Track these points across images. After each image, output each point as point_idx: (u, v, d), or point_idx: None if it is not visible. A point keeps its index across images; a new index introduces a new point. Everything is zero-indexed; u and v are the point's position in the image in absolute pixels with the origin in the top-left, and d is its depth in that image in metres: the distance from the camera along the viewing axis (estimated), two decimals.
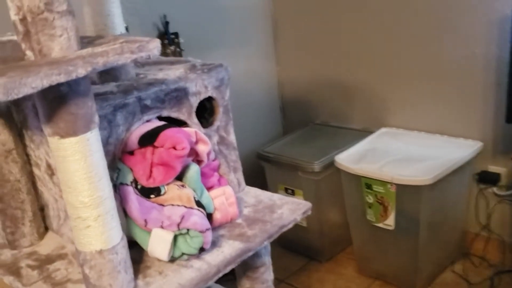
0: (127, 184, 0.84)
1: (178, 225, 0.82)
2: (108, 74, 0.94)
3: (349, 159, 1.88)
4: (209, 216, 0.93)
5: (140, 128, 0.87)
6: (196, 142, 0.93)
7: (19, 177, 0.90)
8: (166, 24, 1.90)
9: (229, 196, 0.95)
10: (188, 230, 0.83)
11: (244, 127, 2.28)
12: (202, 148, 0.93)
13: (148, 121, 0.90)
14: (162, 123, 0.89)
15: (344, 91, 2.24)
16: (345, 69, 2.20)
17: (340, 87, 2.26)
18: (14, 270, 0.88)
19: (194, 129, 0.92)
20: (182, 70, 1.00)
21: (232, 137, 1.04)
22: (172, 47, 1.89)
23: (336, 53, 2.21)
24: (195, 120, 0.96)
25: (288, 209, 0.99)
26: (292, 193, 2.09)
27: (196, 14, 2.03)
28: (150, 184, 0.86)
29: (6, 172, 0.90)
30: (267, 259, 1.04)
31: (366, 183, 1.83)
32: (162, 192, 0.87)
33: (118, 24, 0.93)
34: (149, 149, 0.86)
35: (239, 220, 0.96)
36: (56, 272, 0.85)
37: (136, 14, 1.85)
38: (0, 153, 0.88)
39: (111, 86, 0.90)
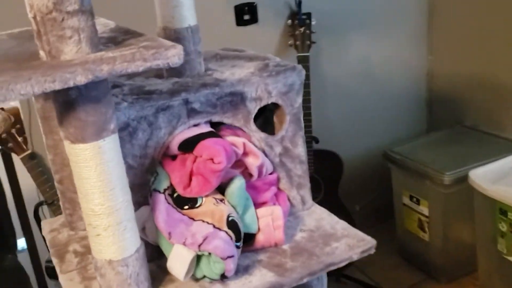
0: (159, 191, 0.80)
1: (200, 246, 0.75)
2: (179, 66, 0.88)
3: (486, 176, 1.61)
4: (251, 237, 0.85)
5: (184, 133, 0.82)
6: (246, 154, 0.84)
7: None
8: (299, 3, 1.80)
9: (277, 218, 0.86)
10: (210, 254, 0.75)
11: (381, 120, 2.11)
12: (251, 161, 0.85)
13: (195, 125, 0.83)
14: (207, 130, 0.83)
15: (502, 94, 1.93)
16: (507, 69, 1.87)
17: (498, 88, 1.94)
18: (61, 253, 0.91)
19: (243, 139, 0.83)
20: (253, 69, 0.91)
21: (300, 150, 0.93)
22: (302, 29, 1.79)
23: (498, 49, 1.89)
24: (253, 127, 0.87)
25: (346, 244, 0.86)
26: (417, 202, 1.88)
27: None
28: (187, 193, 0.81)
29: (66, 156, 0.91)
30: None
31: (501, 208, 1.55)
32: (198, 204, 0.81)
33: (187, 17, 0.88)
34: (190, 157, 0.81)
35: (285, 246, 0.86)
36: (91, 265, 0.85)
37: None
38: (61, 138, 0.89)
39: (165, 84, 0.86)
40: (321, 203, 1.73)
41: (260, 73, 0.90)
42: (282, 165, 0.93)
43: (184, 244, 0.78)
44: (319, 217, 0.95)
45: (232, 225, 0.79)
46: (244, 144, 0.84)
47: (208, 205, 0.81)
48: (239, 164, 0.87)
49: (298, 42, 1.81)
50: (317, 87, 1.98)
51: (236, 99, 0.85)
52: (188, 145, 0.81)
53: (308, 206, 0.98)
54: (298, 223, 0.93)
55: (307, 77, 1.80)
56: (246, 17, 1.79)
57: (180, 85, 0.85)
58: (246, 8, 1.78)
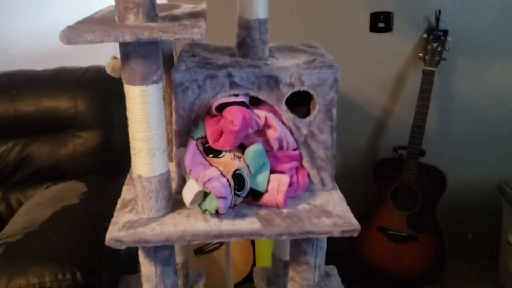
0: (193, 138, 1.06)
1: (204, 183, 0.99)
2: (244, 49, 1.12)
3: None
4: (259, 194, 1.06)
5: (223, 98, 1.06)
6: (268, 127, 1.05)
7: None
8: (437, 20, 1.86)
9: (282, 184, 1.05)
10: (210, 192, 0.99)
11: (507, 150, 2.04)
12: (271, 133, 1.05)
13: (236, 95, 1.07)
14: (241, 99, 1.05)
15: None
16: None
17: None
18: None
19: (265, 113, 1.04)
20: (301, 61, 1.10)
21: (325, 137, 1.09)
22: (435, 44, 1.86)
23: None
24: (284, 107, 1.07)
25: (333, 222, 1.01)
26: None
27: (478, 15, 1.89)
28: (214, 146, 1.05)
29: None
30: (312, 261, 1.09)
31: None
32: (221, 155, 1.04)
33: (257, 11, 1.09)
34: (223, 118, 1.05)
35: (285, 210, 1.05)
36: None
37: (410, 4, 1.89)
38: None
39: (225, 59, 1.10)
40: (415, 214, 1.81)
41: (303, 65, 1.08)
42: (306, 145, 1.10)
43: (196, 180, 1.02)
44: (331, 199, 1.10)
45: (236, 176, 1.00)
46: (266, 117, 1.04)
47: (227, 158, 1.04)
48: (262, 133, 1.07)
49: (427, 56, 1.87)
50: (444, 103, 2.00)
51: (271, 81, 1.05)
52: (221, 108, 1.04)
53: (327, 188, 1.13)
54: (309, 197, 1.10)
55: (428, 91, 1.86)
56: (381, 24, 1.91)
57: (233, 62, 1.08)
58: (382, 16, 1.90)
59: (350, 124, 2.06)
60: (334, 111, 1.07)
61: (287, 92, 1.05)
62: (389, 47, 1.94)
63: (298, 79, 1.04)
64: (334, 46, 1.90)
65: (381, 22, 1.91)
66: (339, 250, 2.07)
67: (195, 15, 1.00)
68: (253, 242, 2.01)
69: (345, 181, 2.15)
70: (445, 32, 1.86)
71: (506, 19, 1.91)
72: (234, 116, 0.98)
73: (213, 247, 1.98)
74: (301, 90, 1.06)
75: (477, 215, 2.14)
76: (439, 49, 1.85)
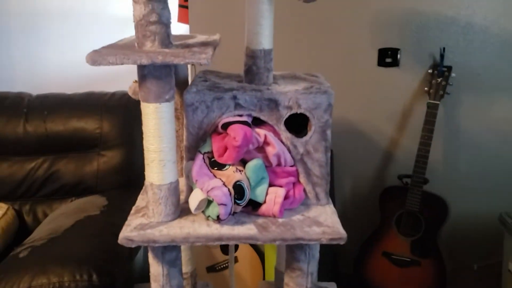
0: (200, 152, 1.18)
1: (208, 192, 1.12)
2: (250, 76, 1.26)
3: None
4: (258, 205, 1.18)
5: (228, 117, 1.19)
6: (267, 144, 1.18)
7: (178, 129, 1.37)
8: (441, 57, 1.98)
9: (278, 196, 1.17)
10: (213, 199, 1.12)
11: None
12: (270, 150, 1.18)
13: (240, 115, 1.20)
14: (244, 119, 1.18)
15: None
16: None
17: None
18: None
19: (265, 132, 1.17)
20: (300, 87, 1.23)
21: (320, 155, 1.21)
22: (439, 79, 1.97)
23: None
24: (282, 127, 1.19)
25: (322, 231, 1.12)
26: None
27: (480, 52, 2.00)
28: (219, 160, 1.17)
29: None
30: (305, 267, 1.19)
31: None
32: (224, 168, 1.17)
33: (262, 42, 1.23)
34: (228, 135, 1.18)
35: (280, 219, 1.16)
36: None
37: (416, 42, 2.00)
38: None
39: (232, 84, 1.24)
40: (418, 240, 1.88)
41: (301, 90, 1.20)
42: (302, 163, 1.22)
43: (201, 189, 1.14)
44: (324, 212, 1.20)
45: (236, 187, 1.12)
46: (265, 135, 1.17)
47: (230, 171, 1.16)
48: (262, 150, 1.19)
49: (432, 90, 1.98)
50: (448, 135, 2.09)
51: (272, 104, 1.18)
52: (226, 126, 1.17)
53: (322, 203, 1.24)
54: (304, 210, 1.21)
55: (432, 123, 1.96)
56: (388, 60, 2.04)
57: (238, 87, 1.22)
58: (389, 52, 2.03)
59: (358, 153, 2.16)
60: (328, 132, 1.18)
61: (285, 114, 1.17)
62: (396, 81, 2.05)
63: (295, 103, 1.16)
64: (345, 79, 2.04)
65: (388, 57, 2.03)
66: (346, 273, 2.15)
67: (205, 44, 1.15)
68: (262, 259, 2.10)
69: (353, 207, 2.25)
70: (449, 68, 1.97)
71: (507, 56, 2.01)
72: (237, 133, 1.11)
73: (225, 265, 2.08)
74: (298, 112, 1.18)
75: (480, 244, 2.19)
76: (443, 83, 1.96)
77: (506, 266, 1.97)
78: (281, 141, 1.19)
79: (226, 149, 1.14)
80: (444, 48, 1.97)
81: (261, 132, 1.16)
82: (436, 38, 1.99)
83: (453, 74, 1.96)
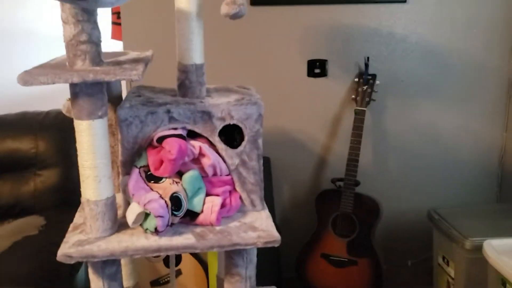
0: (136, 167, 1.18)
1: (144, 205, 1.12)
2: (183, 90, 1.27)
3: (499, 248, 1.68)
4: (195, 214, 1.19)
5: (163, 131, 1.20)
6: (202, 155, 1.19)
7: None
8: (366, 66, 2.06)
9: (215, 205, 1.18)
10: (150, 212, 1.12)
11: (440, 182, 2.22)
12: (205, 161, 1.19)
13: (174, 128, 1.21)
14: (178, 132, 1.19)
15: None
16: None
17: None
18: None
19: (200, 143, 1.19)
20: (232, 99, 1.26)
21: (254, 164, 1.24)
22: (365, 87, 2.05)
23: None
24: (217, 138, 1.21)
25: (258, 235, 1.14)
26: (447, 264, 1.97)
27: (402, 60, 2.10)
28: (155, 173, 1.17)
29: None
30: (243, 272, 1.21)
31: (502, 279, 1.61)
32: (161, 181, 1.17)
33: (193, 57, 1.24)
34: (163, 148, 1.18)
35: (218, 227, 1.18)
36: None
37: (342, 52, 2.09)
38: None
39: (165, 98, 1.25)
40: (353, 240, 1.94)
41: (233, 102, 1.23)
42: (237, 171, 1.24)
43: (138, 203, 1.14)
44: (259, 217, 1.23)
45: (173, 198, 1.13)
46: (200, 147, 1.18)
47: (166, 183, 1.17)
48: (197, 162, 1.21)
49: (358, 98, 2.06)
50: (376, 139, 2.18)
51: (205, 116, 1.20)
52: (161, 139, 1.18)
53: (258, 209, 1.26)
54: (240, 217, 1.23)
55: (360, 128, 2.04)
56: (317, 70, 2.11)
57: (172, 101, 1.23)
58: (318, 63, 2.10)
59: (294, 160, 2.21)
60: (260, 141, 1.22)
61: (219, 125, 1.20)
62: (325, 90, 2.13)
63: (228, 114, 1.19)
64: (277, 90, 2.10)
65: (317, 68, 2.10)
66: (289, 277, 2.19)
67: (137, 60, 1.15)
68: (206, 270, 2.11)
69: (292, 211, 2.30)
70: (374, 76, 2.07)
71: (427, 63, 2.13)
72: (171, 146, 1.12)
73: (168, 279, 2.06)
74: (231, 123, 1.20)
75: (412, 241, 2.29)
76: (368, 91, 2.05)
77: (436, 260, 2.08)
78: (217, 152, 1.21)
79: (162, 162, 1.15)
80: (368, 58, 2.06)
81: (196, 144, 1.17)
82: (361, 48, 2.08)
83: (377, 82, 2.06)
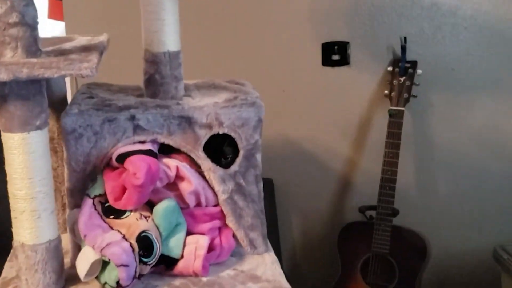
0: (89, 196, 1.18)
1: (102, 250, 1.11)
2: (152, 88, 1.27)
3: None
4: (173, 261, 1.18)
5: (126, 146, 1.19)
6: (181, 179, 1.19)
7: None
8: (403, 50, 2.06)
9: (200, 247, 1.17)
10: (109, 259, 1.11)
11: (507, 208, 2.21)
12: (184, 187, 1.18)
13: (141, 142, 1.20)
14: (147, 147, 1.19)
15: None
16: None
17: None
18: None
19: (177, 163, 1.18)
20: (221, 99, 1.25)
21: (253, 188, 1.23)
22: (402, 79, 2.05)
23: None
24: (201, 154, 1.20)
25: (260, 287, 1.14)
26: None
27: (452, 41, 2.11)
28: (116, 205, 1.16)
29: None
30: None
31: None
32: (124, 216, 1.17)
33: (166, 42, 1.24)
34: (126, 170, 1.18)
35: (204, 278, 1.17)
36: None
37: (369, 32, 2.10)
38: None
39: (128, 100, 1.25)
40: None
41: (222, 103, 1.23)
42: (231, 200, 1.23)
43: (92, 247, 1.13)
44: (262, 262, 1.22)
45: (142, 239, 1.12)
46: (177, 167, 1.18)
47: (131, 219, 1.16)
48: (174, 187, 1.20)
49: (393, 94, 2.06)
50: (419, 150, 2.18)
51: (184, 124, 1.20)
52: (123, 158, 1.17)
53: (259, 251, 1.26)
54: (235, 263, 1.22)
55: (397, 136, 2.03)
56: (335, 57, 2.11)
57: (137, 103, 1.23)
58: (336, 47, 2.10)
59: (306, 182, 2.21)
60: (258, 156, 1.22)
61: (204, 136, 1.20)
62: (347, 84, 2.13)
63: (216, 120, 1.19)
64: (280, 86, 2.10)
65: (335, 54, 2.10)
66: None
67: (88, 49, 1.15)
68: None
69: (305, 253, 2.28)
70: (414, 64, 2.07)
71: (486, 45, 2.13)
72: (137, 168, 1.11)
73: None
74: (220, 133, 1.20)
75: (470, 287, 2.28)
76: (407, 84, 2.05)
77: None
78: (200, 174, 1.20)
79: (124, 189, 1.15)
80: (405, 38, 2.06)
81: (172, 163, 1.17)
82: (395, 26, 2.08)
83: (419, 71, 2.06)
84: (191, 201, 1.18)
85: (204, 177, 1.21)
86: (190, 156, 1.20)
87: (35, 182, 1.07)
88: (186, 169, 1.17)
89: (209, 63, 2.07)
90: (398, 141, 2.00)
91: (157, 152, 1.18)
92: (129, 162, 1.12)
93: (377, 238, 2.01)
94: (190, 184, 1.17)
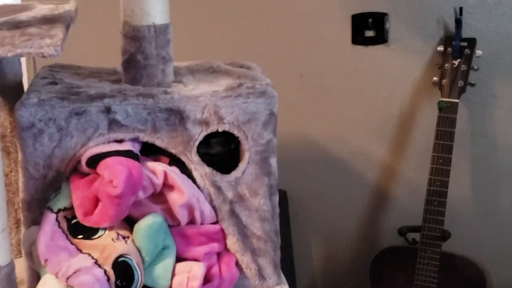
0: (52, 210, 1.19)
1: (68, 278, 1.12)
2: (133, 72, 1.29)
3: None
4: None
5: (99, 146, 1.20)
6: (170, 188, 1.20)
7: None
8: (457, 24, 2.06)
9: (194, 278, 1.19)
10: None
11: None
12: (174, 198, 1.20)
13: (119, 141, 1.22)
14: (126, 147, 1.20)
15: None
16: None
17: None
18: None
19: (164, 167, 1.19)
20: (222, 87, 1.27)
21: (261, 202, 1.24)
22: (456, 61, 2.05)
23: None
24: (195, 157, 1.22)
25: None
26: None
27: None
28: (86, 221, 1.18)
29: None
30: None
31: None
32: (96, 235, 1.18)
33: (151, 13, 1.26)
34: (100, 177, 1.19)
35: None
36: None
37: (416, 2, 2.09)
38: None
39: (102, 88, 1.26)
40: None
41: (223, 92, 1.24)
42: (233, 216, 1.25)
43: (56, 274, 1.14)
44: None
45: (119, 266, 1.13)
46: (165, 173, 1.19)
47: (106, 239, 1.17)
48: (161, 199, 1.22)
49: (445, 81, 2.06)
50: (478, 153, 2.18)
51: (173, 118, 1.21)
52: (96, 161, 1.18)
53: (269, 283, 1.27)
54: None
55: (448, 136, 2.03)
56: (369, 33, 2.12)
57: (114, 91, 1.24)
58: (370, 20, 2.11)
59: (330, 194, 2.22)
60: (272, 161, 1.23)
61: (198, 133, 1.21)
62: (384, 68, 2.13)
63: (214, 114, 1.20)
64: (298, 70, 2.10)
65: (369, 29, 2.11)
66: None
67: (51, 21, 1.16)
68: None
69: (327, 286, 2.28)
70: (472, 42, 2.07)
71: None
72: (114, 173, 1.12)
73: None
74: (220, 130, 1.21)
75: None
76: (463, 68, 2.05)
77: None
78: (194, 181, 1.21)
79: (97, 201, 1.16)
80: (461, 9, 2.06)
81: (159, 167, 1.18)
82: None
83: (478, 52, 2.06)
84: (182, 216, 1.19)
85: (198, 186, 1.21)
86: (179, 159, 1.21)
87: None
88: (176, 176, 1.18)
89: (206, 40, 2.08)
90: (450, 143, 2.00)
91: (139, 154, 1.19)
92: (104, 166, 1.14)
93: (421, 268, 2.01)
94: (182, 195, 1.18)
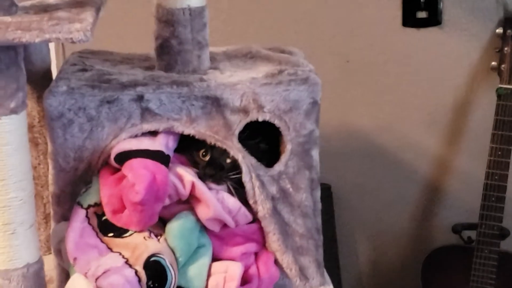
0: (81, 206, 1.20)
1: (97, 279, 1.13)
2: (167, 58, 1.30)
3: None
4: None
5: (130, 142, 1.20)
6: (197, 201, 1.19)
7: None
8: None
9: (231, 278, 1.19)
10: None
11: None
12: (200, 211, 1.19)
13: (153, 133, 1.23)
14: (156, 146, 1.19)
15: None
16: None
17: None
18: None
19: (193, 177, 1.18)
20: (261, 74, 1.27)
21: (305, 197, 1.25)
22: None
23: None
24: (237, 145, 1.21)
25: None
26: None
27: None
28: (115, 220, 1.19)
29: None
30: None
31: None
32: (128, 234, 1.19)
33: None
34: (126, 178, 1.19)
35: None
36: None
37: None
38: None
39: (135, 75, 1.26)
40: None
41: (263, 79, 1.24)
42: (275, 214, 1.25)
43: (85, 274, 1.16)
44: None
45: (151, 266, 1.14)
46: (193, 184, 1.18)
47: (137, 237, 1.18)
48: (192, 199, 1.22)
49: (504, 66, 2.05)
50: None
51: (210, 107, 1.22)
52: (123, 158, 1.18)
53: (313, 284, 1.27)
54: None
55: (508, 126, 2.01)
56: (421, 14, 2.11)
57: (147, 78, 1.25)
58: (422, 0, 2.10)
59: (378, 189, 2.22)
60: (314, 153, 1.23)
61: (237, 122, 1.21)
62: (438, 52, 2.12)
63: (253, 102, 1.21)
64: (343, 56, 2.10)
65: (421, 9, 2.10)
66: None
67: (80, 4, 1.17)
68: None
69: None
70: None
71: None
72: (137, 177, 1.12)
73: None
74: (259, 119, 1.22)
75: None
76: None
77: None
78: (231, 188, 1.22)
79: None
80: None
81: (188, 177, 1.18)
82: None
83: None
84: (212, 226, 1.20)
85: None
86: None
87: (9, 186, 1.09)
88: (205, 189, 1.18)
89: (244, 23, 2.08)
90: (510, 133, 1.98)
91: (170, 155, 1.19)
92: (129, 168, 1.14)
93: (478, 269, 2.00)
94: (208, 210, 1.18)
